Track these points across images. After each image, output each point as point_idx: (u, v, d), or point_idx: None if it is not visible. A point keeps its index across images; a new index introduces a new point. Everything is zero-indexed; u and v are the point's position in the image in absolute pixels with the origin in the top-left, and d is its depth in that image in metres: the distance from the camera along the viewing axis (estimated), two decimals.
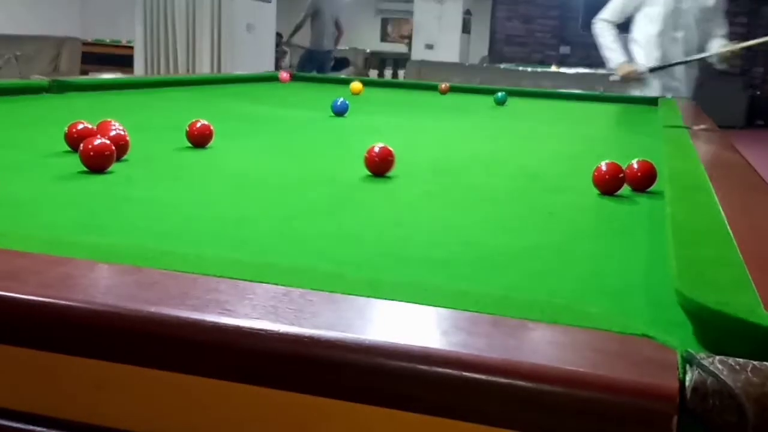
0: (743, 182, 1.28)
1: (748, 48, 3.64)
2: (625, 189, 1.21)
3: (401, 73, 10.65)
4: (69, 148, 1.34)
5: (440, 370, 0.42)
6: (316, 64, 6.90)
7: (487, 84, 4.48)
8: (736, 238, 0.74)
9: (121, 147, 1.26)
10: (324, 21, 6.94)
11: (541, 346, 0.45)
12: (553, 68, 8.69)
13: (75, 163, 1.20)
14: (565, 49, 13.00)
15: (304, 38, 7.36)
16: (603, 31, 3.68)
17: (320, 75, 4.84)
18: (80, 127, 1.34)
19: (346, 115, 2.28)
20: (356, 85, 3.13)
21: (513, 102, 3.21)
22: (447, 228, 0.97)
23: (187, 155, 1.44)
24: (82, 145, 1.19)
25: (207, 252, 0.69)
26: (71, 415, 0.49)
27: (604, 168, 1.20)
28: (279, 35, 7.45)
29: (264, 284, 0.52)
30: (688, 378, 0.40)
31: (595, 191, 1.20)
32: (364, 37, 12.22)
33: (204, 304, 0.48)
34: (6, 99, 2.17)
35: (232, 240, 0.86)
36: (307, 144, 1.79)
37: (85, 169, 1.18)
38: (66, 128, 1.36)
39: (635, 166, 1.23)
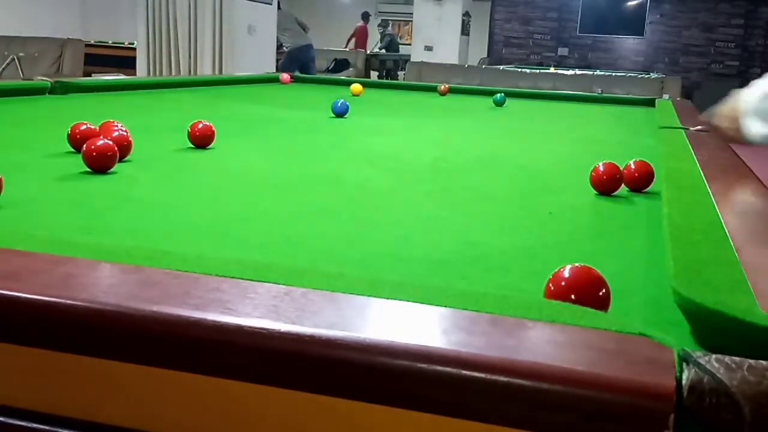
0: (739, 182, 1.29)
1: None
2: (623, 189, 1.22)
3: (401, 74, 10.66)
4: (72, 149, 1.34)
5: (440, 368, 0.42)
6: (296, 63, 6.95)
7: (486, 85, 4.49)
8: (732, 238, 0.74)
9: (123, 148, 1.27)
10: (287, 23, 7.04)
11: (540, 345, 0.45)
12: (552, 70, 8.69)
13: (78, 163, 1.20)
14: (563, 51, 13.01)
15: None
16: None
17: (321, 77, 4.84)
18: (83, 127, 1.35)
19: (346, 116, 2.29)
20: (356, 87, 3.14)
21: (511, 103, 3.21)
22: (447, 228, 0.98)
23: (189, 156, 1.45)
24: (84, 145, 1.20)
25: (209, 251, 0.69)
26: (73, 413, 0.50)
27: (601, 168, 1.21)
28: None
29: (265, 284, 0.52)
30: (684, 376, 0.40)
31: (593, 191, 1.21)
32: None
33: (206, 303, 0.49)
34: (9, 100, 2.17)
35: (233, 240, 0.86)
36: (308, 145, 1.80)
37: (88, 169, 1.18)
38: (69, 129, 1.36)
39: (632, 166, 1.24)
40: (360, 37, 11.47)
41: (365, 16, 11.64)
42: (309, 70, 6.82)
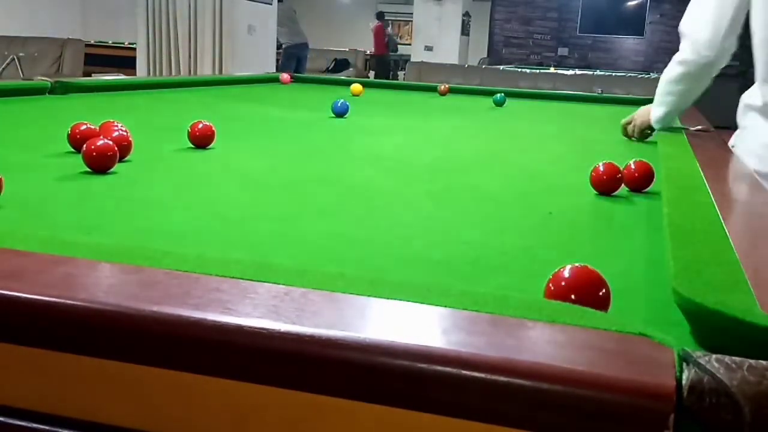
0: (739, 182, 1.29)
1: None
2: (623, 189, 1.22)
3: (401, 74, 10.68)
4: (72, 149, 1.34)
5: (440, 368, 0.42)
6: (294, 59, 6.97)
7: (486, 85, 4.50)
8: (732, 238, 0.74)
9: (123, 148, 1.27)
10: (285, 19, 7.08)
11: (540, 345, 0.45)
12: (552, 70, 8.69)
13: (78, 163, 1.20)
14: (563, 51, 13.02)
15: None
16: None
17: (321, 77, 4.85)
18: (83, 127, 1.35)
19: (346, 116, 2.29)
20: (356, 87, 3.14)
21: (511, 103, 3.22)
22: (447, 228, 0.98)
23: (189, 156, 1.45)
24: (84, 145, 1.20)
25: (209, 252, 0.69)
26: (73, 413, 0.50)
27: (601, 168, 1.21)
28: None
29: (265, 283, 0.52)
30: (684, 376, 0.40)
31: (593, 191, 1.21)
32: (364, 39, 12.23)
33: (206, 303, 0.49)
34: (9, 100, 2.17)
35: (233, 240, 0.86)
36: (308, 145, 1.80)
37: (88, 169, 1.18)
38: (69, 129, 1.36)
39: (632, 166, 1.24)
40: (378, 36, 11.54)
41: (380, 16, 11.72)
42: (301, 68, 6.84)
